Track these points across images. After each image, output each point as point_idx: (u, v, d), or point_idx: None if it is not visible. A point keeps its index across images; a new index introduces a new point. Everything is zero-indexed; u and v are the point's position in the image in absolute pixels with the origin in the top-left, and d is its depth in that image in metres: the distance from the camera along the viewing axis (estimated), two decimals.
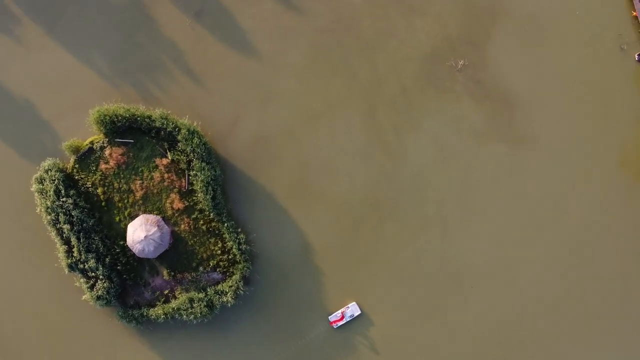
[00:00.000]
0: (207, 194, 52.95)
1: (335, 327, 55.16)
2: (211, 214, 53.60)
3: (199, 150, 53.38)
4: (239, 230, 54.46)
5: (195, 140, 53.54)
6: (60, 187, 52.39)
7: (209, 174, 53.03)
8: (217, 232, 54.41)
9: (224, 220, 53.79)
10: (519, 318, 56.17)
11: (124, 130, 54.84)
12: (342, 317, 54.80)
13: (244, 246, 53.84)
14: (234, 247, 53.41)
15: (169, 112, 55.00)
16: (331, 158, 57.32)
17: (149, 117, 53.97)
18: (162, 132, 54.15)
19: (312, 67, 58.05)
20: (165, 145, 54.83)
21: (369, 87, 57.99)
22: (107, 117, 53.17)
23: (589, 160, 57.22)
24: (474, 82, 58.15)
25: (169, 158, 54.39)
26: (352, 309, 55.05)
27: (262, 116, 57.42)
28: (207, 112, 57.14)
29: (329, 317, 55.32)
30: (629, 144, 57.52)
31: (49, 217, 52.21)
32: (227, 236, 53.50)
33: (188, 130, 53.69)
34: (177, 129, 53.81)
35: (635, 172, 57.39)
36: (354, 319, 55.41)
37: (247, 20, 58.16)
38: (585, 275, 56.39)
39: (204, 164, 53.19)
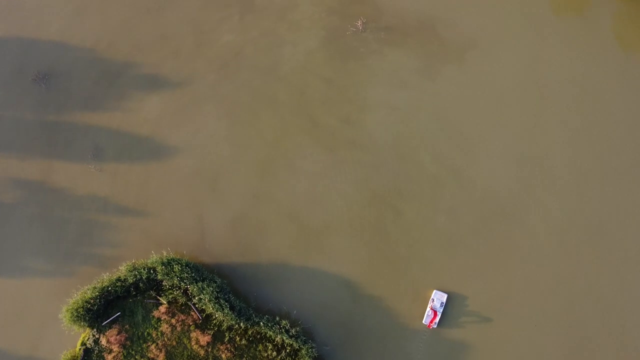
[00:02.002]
0: (223, 309, 46.31)
1: (434, 326, 48.75)
2: (241, 324, 46.83)
3: (185, 274, 46.95)
4: (277, 319, 47.78)
5: (176, 268, 47.16)
6: None
7: (211, 289, 46.50)
8: (259, 336, 47.54)
9: (257, 320, 47.08)
10: (576, 204, 50.71)
11: (105, 308, 48.04)
12: (435, 313, 48.52)
13: (293, 330, 47.10)
14: (285, 338, 46.61)
15: (133, 261, 48.62)
16: (310, 190, 51.61)
17: (118, 279, 47.44)
18: (141, 284, 47.56)
19: (232, 123, 52.72)
20: (153, 293, 48.19)
21: (296, 102, 52.91)
22: (80, 309, 46.38)
23: (532, 25, 52.95)
24: (384, 31, 53.72)
25: (164, 302, 47.71)
26: (438, 298, 48.91)
27: (221, 200, 51.50)
28: (169, 234, 50.95)
29: (423, 321, 48.95)
30: None
31: None
32: (271, 333, 46.72)
33: (162, 264, 47.30)
34: (152, 271, 47.35)
35: (573, 5, 53.39)
36: (447, 306, 49.10)
37: (143, 128, 52.72)
38: (606, 127, 51.53)
39: (200, 284, 46.70)
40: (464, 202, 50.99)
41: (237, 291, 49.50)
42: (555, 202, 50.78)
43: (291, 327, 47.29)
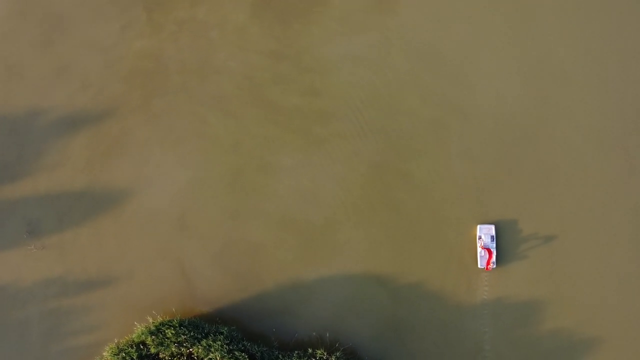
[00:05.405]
0: None
1: (493, 266, 40.10)
2: None
3: (183, 337, 37.51)
4: (310, 350, 38.53)
5: (169, 332, 37.69)
6: None
7: (219, 343, 37.12)
8: None
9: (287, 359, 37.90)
10: (603, 96, 42.32)
11: None
12: (489, 251, 39.99)
13: (333, 357, 37.94)
14: None
15: (116, 341, 39.11)
16: (297, 187, 42.38)
17: None
18: None
19: (179, 142, 43.26)
20: None
21: (245, 92, 43.83)
22: None
23: None
24: None
25: None
26: (485, 232, 40.48)
27: (196, 235, 42.02)
28: (149, 295, 41.38)
29: (479, 266, 40.30)
30: None
31: None
32: None
33: (151, 333, 37.83)
34: (142, 346, 37.90)
35: None
36: (499, 238, 40.51)
37: (76, 181, 42.94)
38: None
39: (204, 342, 37.31)
40: (477, 139, 42.14)
41: (251, 334, 40.06)
42: (579, 103, 42.22)
43: (330, 354, 38.07)
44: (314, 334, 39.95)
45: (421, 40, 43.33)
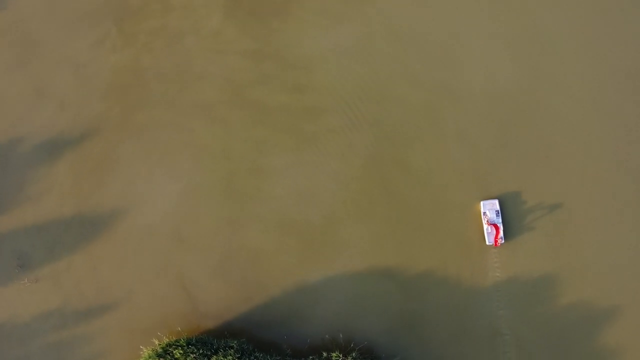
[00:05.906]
0: None
1: (502, 241, 39.01)
2: None
3: (192, 355, 36.04)
4: (325, 354, 37.21)
5: (177, 353, 36.22)
6: None
7: (230, 358, 35.69)
8: None
9: None
10: (593, 60, 41.57)
11: None
12: (496, 227, 38.91)
13: (350, 358, 36.69)
14: None
15: None
16: (293, 187, 41.12)
17: None
18: None
19: (165, 153, 41.82)
20: None
21: (229, 96, 42.51)
22: None
23: None
24: None
25: None
26: (489, 208, 39.44)
27: (195, 248, 40.62)
28: (152, 316, 39.90)
29: (487, 243, 39.20)
30: None
31: None
32: None
33: (158, 356, 36.37)
34: None
35: None
36: (504, 213, 39.44)
37: (64, 206, 41.35)
38: None
39: (214, 358, 35.89)
40: (471, 118, 41.14)
41: (262, 343, 38.72)
42: (570, 71, 41.40)
43: (345, 355, 36.82)
44: (327, 336, 38.67)
45: (403, 24, 42.23)
